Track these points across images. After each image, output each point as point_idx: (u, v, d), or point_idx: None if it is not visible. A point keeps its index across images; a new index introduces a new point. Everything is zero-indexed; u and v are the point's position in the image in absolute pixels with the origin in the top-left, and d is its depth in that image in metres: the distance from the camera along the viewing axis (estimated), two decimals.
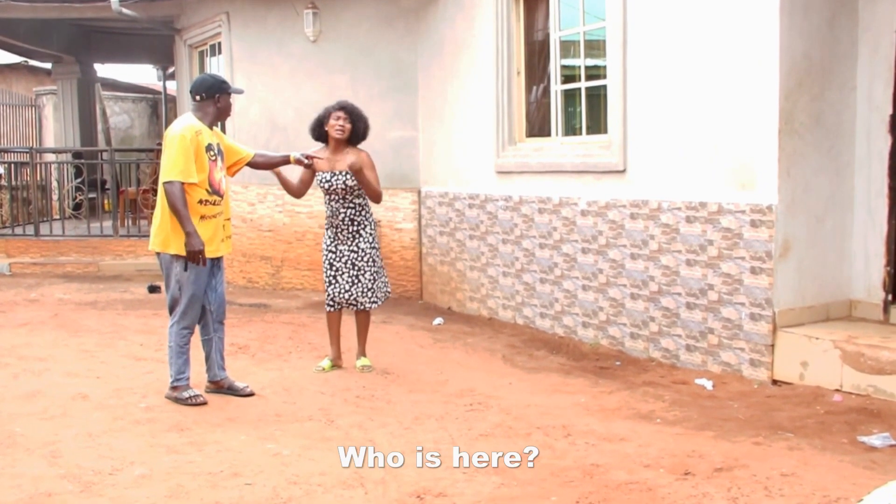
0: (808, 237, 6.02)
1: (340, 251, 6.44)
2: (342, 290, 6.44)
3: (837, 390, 5.52)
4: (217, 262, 5.76)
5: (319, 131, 6.48)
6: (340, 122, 6.36)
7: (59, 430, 4.98)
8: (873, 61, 6.06)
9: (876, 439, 4.68)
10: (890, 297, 6.08)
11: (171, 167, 5.39)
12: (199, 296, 5.60)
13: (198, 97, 5.62)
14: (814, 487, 4.03)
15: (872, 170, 6.11)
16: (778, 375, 5.88)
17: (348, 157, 6.35)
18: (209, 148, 5.53)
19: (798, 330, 5.85)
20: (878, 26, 6.01)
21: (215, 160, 5.58)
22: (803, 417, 5.17)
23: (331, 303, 6.51)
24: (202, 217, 5.50)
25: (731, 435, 4.89)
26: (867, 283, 6.21)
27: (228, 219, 5.82)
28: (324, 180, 6.36)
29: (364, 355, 6.61)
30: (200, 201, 5.49)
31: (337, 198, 6.38)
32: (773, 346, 5.88)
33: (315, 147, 6.55)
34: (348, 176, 6.32)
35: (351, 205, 6.40)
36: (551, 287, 7.83)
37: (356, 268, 6.44)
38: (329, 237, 6.49)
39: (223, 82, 5.76)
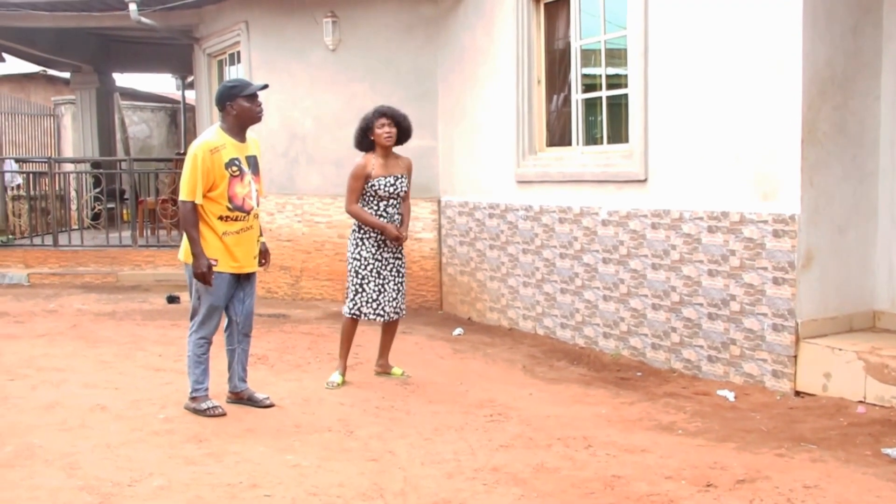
0: (831, 247, 5.96)
1: (386, 259, 6.40)
2: (390, 299, 6.41)
3: (861, 402, 5.46)
4: (246, 276, 5.71)
5: (366, 141, 6.41)
6: (386, 128, 6.34)
7: (77, 441, 4.98)
8: None
9: None
10: None
11: (183, 186, 5.40)
12: (217, 307, 5.58)
13: (219, 108, 5.58)
14: (837, 500, 3.99)
15: None
16: (801, 387, 5.82)
17: (401, 161, 6.46)
18: (231, 163, 5.44)
19: (821, 341, 5.79)
20: None
21: (239, 175, 5.47)
22: (826, 429, 5.12)
23: (380, 312, 6.39)
24: (224, 233, 5.47)
25: (753, 447, 4.85)
26: (891, 293, 6.14)
27: (261, 234, 5.78)
28: (387, 184, 6.33)
29: (393, 365, 6.66)
30: (221, 217, 5.45)
31: (395, 202, 6.39)
32: (795, 357, 5.82)
33: (359, 156, 6.46)
34: (405, 180, 6.42)
35: (400, 210, 6.46)
36: (572, 297, 7.79)
37: (401, 275, 6.47)
38: (373, 245, 6.38)
39: (233, 87, 5.56)
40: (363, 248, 6.42)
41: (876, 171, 6.14)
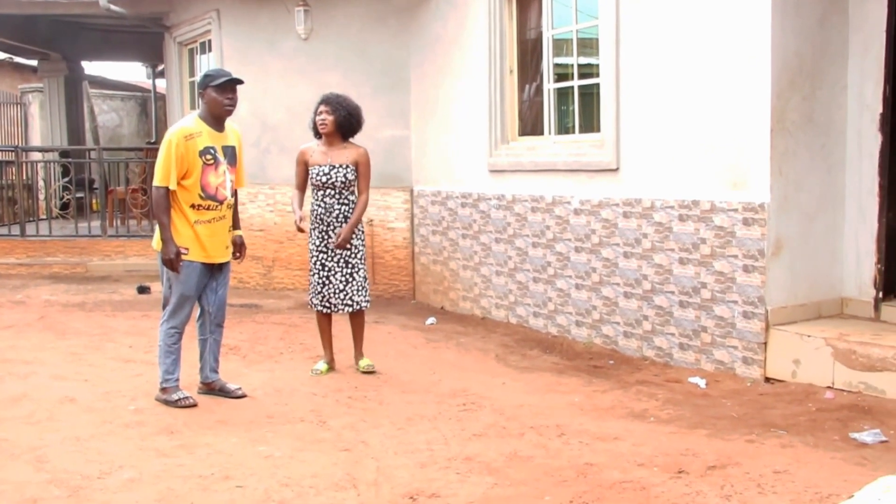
0: (800, 235, 6.02)
1: (332, 250, 6.32)
2: (336, 291, 6.33)
3: (829, 387, 5.52)
4: (219, 266, 5.67)
5: (315, 128, 6.40)
6: (322, 115, 6.28)
7: (45, 434, 4.92)
8: (864, 61, 6.06)
9: (867, 436, 4.69)
10: (881, 295, 6.08)
11: (157, 171, 5.37)
12: (189, 296, 5.54)
13: (200, 96, 5.55)
14: (806, 484, 4.03)
15: (863, 168, 6.12)
16: (771, 373, 5.88)
17: (347, 152, 6.32)
18: (206, 151, 5.41)
19: (790, 328, 5.85)
20: (868, 26, 6.01)
21: (213, 164, 5.44)
22: (796, 415, 5.17)
23: (326, 304, 6.38)
24: (196, 222, 5.44)
25: (724, 433, 4.89)
26: (858, 280, 6.21)
27: (238, 227, 5.73)
28: (321, 173, 6.26)
29: (363, 356, 6.55)
30: (192, 206, 5.42)
31: (333, 193, 6.28)
32: (765, 344, 5.88)
33: (313, 143, 6.44)
34: (349, 169, 6.27)
35: (346, 201, 6.32)
36: (544, 286, 7.81)
37: (350, 265, 6.34)
38: (317, 236, 6.34)
39: (207, 76, 5.53)
40: (310, 238, 6.41)
41: (843, 160, 6.21)
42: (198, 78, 5.59)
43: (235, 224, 5.82)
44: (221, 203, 5.52)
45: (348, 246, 6.31)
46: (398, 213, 9.85)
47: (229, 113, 5.55)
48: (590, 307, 7.30)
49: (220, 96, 5.46)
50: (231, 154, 5.61)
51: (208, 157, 5.43)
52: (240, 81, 5.55)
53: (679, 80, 6.38)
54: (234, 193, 5.69)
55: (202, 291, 5.65)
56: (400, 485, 4.15)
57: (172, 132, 5.41)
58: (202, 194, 5.43)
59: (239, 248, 5.84)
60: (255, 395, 5.81)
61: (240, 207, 10.38)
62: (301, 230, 6.29)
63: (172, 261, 5.37)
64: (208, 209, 5.47)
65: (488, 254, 8.55)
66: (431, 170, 9.48)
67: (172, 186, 5.34)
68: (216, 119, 5.53)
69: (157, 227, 5.51)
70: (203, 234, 5.47)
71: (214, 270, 5.66)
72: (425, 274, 9.65)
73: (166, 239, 5.37)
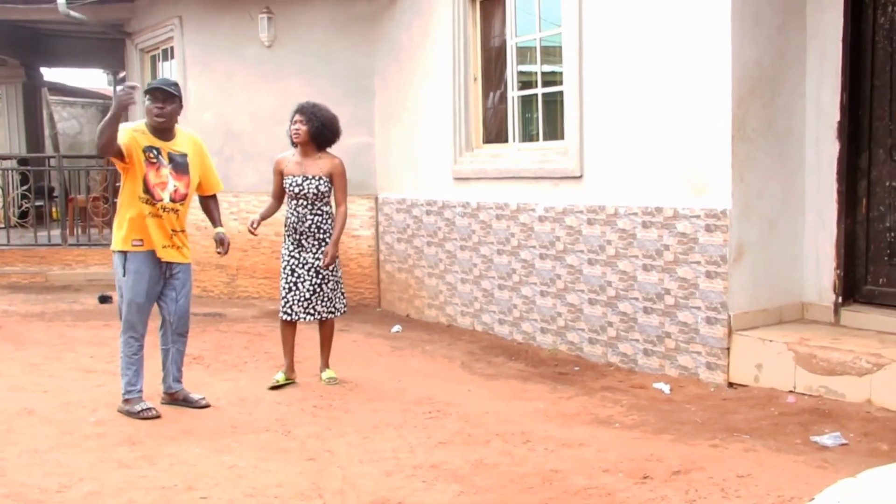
0: (761, 241, 6.08)
1: (304, 258, 6.26)
2: (301, 298, 6.26)
3: (791, 391, 5.59)
4: (173, 274, 5.62)
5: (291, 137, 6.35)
6: (296, 125, 6.23)
7: (2, 447, 4.83)
8: (821, 68, 6.15)
9: (828, 439, 4.74)
10: (840, 300, 6.16)
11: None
12: (138, 303, 5.47)
13: None
14: (768, 488, 4.07)
15: (822, 174, 6.20)
16: (734, 378, 5.93)
17: (321, 162, 6.27)
18: (149, 149, 5.42)
19: (752, 333, 5.91)
20: (825, 34, 6.10)
21: (155, 164, 5.44)
22: (758, 419, 5.22)
23: (288, 311, 6.31)
24: (139, 213, 5.43)
25: (688, 438, 4.93)
26: (818, 285, 6.29)
27: (180, 230, 5.64)
28: (294, 184, 6.21)
29: (328, 367, 6.48)
30: (139, 198, 5.44)
31: (306, 203, 6.23)
32: (728, 349, 5.94)
33: (290, 152, 6.39)
34: (321, 181, 6.22)
35: (319, 212, 6.27)
36: (510, 293, 7.83)
37: (319, 276, 6.27)
38: (290, 245, 6.29)
39: (148, 84, 5.64)
40: (283, 245, 6.38)
41: (803, 166, 6.29)
42: None
43: (216, 222, 5.93)
44: (157, 202, 5.48)
45: (320, 258, 6.24)
46: (363, 220, 9.83)
47: (159, 123, 5.44)
48: (555, 314, 7.33)
49: (149, 104, 5.45)
50: (180, 161, 5.56)
51: (150, 155, 5.44)
52: (163, 90, 5.41)
53: (642, 87, 6.43)
54: (184, 200, 5.61)
55: (162, 300, 5.60)
56: (365, 493, 4.13)
57: (123, 126, 5.41)
58: (143, 187, 5.43)
59: (221, 243, 5.83)
60: (220, 404, 5.77)
61: (203, 216, 10.36)
62: (252, 232, 6.20)
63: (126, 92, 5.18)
64: (146, 203, 5.45)
65: (453, 261, 8.56)
66: (396, 177, 9.48)
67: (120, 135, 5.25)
68: (153, 126, 5.48)
69: (113, 230, 5.51)
70: (149, 226, 5.45)
71: (168, 276, 5.60)
72: (390, 282, 9.64)
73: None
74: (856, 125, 6.06)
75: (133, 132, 5.40)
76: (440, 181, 8.69)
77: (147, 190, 5.43)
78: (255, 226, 6.20)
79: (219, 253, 5.86)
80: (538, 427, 5.20)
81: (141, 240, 5.44)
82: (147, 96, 5.44)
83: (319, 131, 6.26)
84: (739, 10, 5.82)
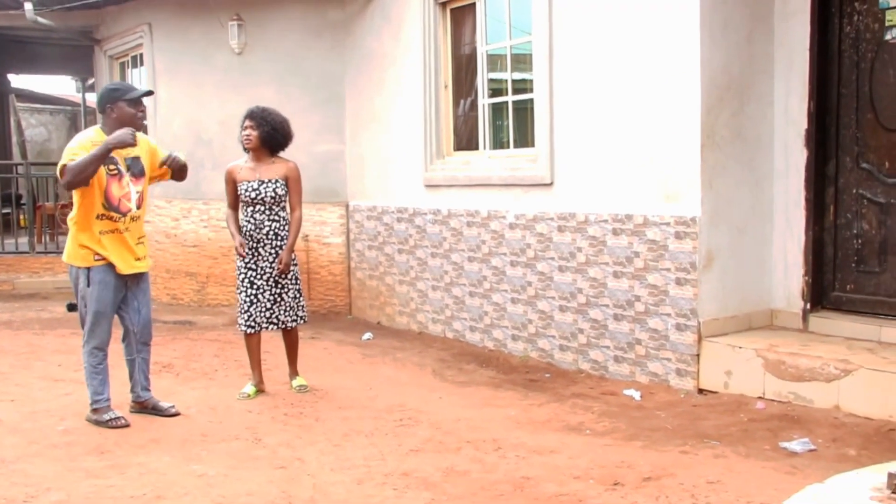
0: (731, 248, 6.13)
1: (262, 268, 6.16)
2: (263, 310, 6.18)
3: (760, 398, 5.63)
4: (135, 282, 5.57)
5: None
6: (247, 131, 6.14)
7: None
8: (789, 77, 6.21)
9: (796, 445, 4.78)
10: (808, 306, 6.21)
11: (63, 157, 5.22)
12: (104, 313, 5.41)
13: (99, 110, 5.46)
14: (738, 494, 4.09)
15: (790, 182, 6.26)
16: (703, 384, 5.97)
17: (276, 166, 6.20)
18: (109, 161, 5.30)
19: (722, 339, 5.95)
20: (792, 43, 6.17)
21: (116, 175, 5.35)
22: (728, 425, 5.25)
23: (252, 324, 6.20)
24: (101, 232, 5.33)
25: (658, 444, 4.95)
26: (787, 292, 6.35)
27: (143, 237, 5.59)
28: (250, 189, 6.11)
29: (298, 375, 6.44)
30: (98, 216, 5.32)
31: (263, 209, 6.14)
32: (698, 355, 5.97)
33: (242, 159, 6.32)
34: (278, 185, 6.14)
35: (276, 217, 6.19)
36: (480, 300, 7.84)
37: (279, 285, 6.19)
38: (247, 252, 6.17)
39: (116, 90, 5.50)
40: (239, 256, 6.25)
41: (771, 173, 6.35)
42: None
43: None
44: (124, 215, 5.40)
45: (281, 266, 6.17)
46: (334, 228, 9.81)
47: (140, 127, 5.49)
48: (525, 321, 7.34)
49: (134, 110, 5.42)
50: (136, 165, 5.49)
51: (111, 167, 5.33)
52: (151, 93, 5.61)
53: (612, 95, 6.47)
54: (142, 204, 5.52)
55: (123, 310, 5.55)
56: (336, 501, 4.12)
57: (77, 139, 5.32)
58: (105, 204, 5.32)
59: (173, 162, 5.57)
60: (189, 412, 5.72)
61: (173, 223, 10.34)
62: (242, 256, 6.11)
63: (121, 136, 5.18)
64: (111, 220, 5.36)
65: (424, 268, 8.55)
66: (367, 185, 9.46)
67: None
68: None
69: (68, 240, 5.43)
70: (108, 244, 5.36)
71: (131, 286, 5.55)
72: (361, 289, 9.61)
73: (97, 152, 5.15)
74: (823, 133, 6.13)
75: (93, 147, 5.23)
76: (411, 188, 8.68)
77: (110, 206, 5.33)
78: (244, 246, 6.09)
79: (169, 161, 5.56)
80: (509, 434, 5.20)
81: (102, 257, 5.35)
82: (128, 102, 5.38)
83: (271, 135, 6.17)
84: (708, 19, 5.87)
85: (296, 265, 6.31)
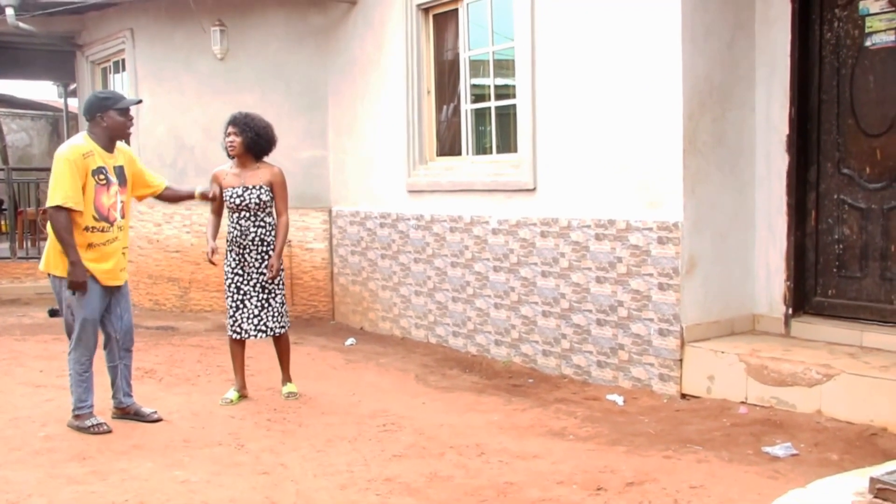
0: (713, 253, 6.16)
1: (248, 273, 6.14)
2: (250, 316, 6.15)
3: (743, 402, 5.65)
4: (117, 289, 5.54)
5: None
6: (231, 137, 6.11)
7: None
8: (770, 83, 6.25)
9: (779, 449, 4.80)
10: (790, 311, 6.25)
11: (57, 191, 5.16)
12: (91, 320, 5.38)
13: (87, 117, 5.41)
14: (721, 499, 4.11)
15: (772, 188, 6.30)
16: (686, 389, 5.99)
17: (261, 172, 6.17)
18: (98, 171, 5.27)
19: (705, 344, 5.97)
20: (773, 49, 6.21)
21: (105, 185, 5.32)
22: (711, 430, 5.27)
23: (238, 329, 6.18)
24: (90, 245, 5.29)
25: (641, 449, 4.96)
26: (769, 297, 6.38)
27: (126, 247, 5.57)
28: (235, 195, 6.08)
29: (290, 381, 6.41)
30: (87, 228, 5.26)
31: (248, 215, 6.10)
32: (681, 360, 5.99)
33: (227, 165, 6.29)
34: (262, 191, 6.11)
35: (262, 223, 6.16)
36: (464, 306, 7.84)
37: (266, 291, 6.17)
38: (233, 259, 6.16)
39: (106, 98, 5.44)
40: (225, 261, 6.23)
41: (753, 179, 6.38)
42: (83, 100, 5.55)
43: (187, 191, 6.09)
44: (113, 224, 5.38)
45: (264, 271, 6.13)
46: (317, 233, 9.79)
47: (129, 135, 5.51)
48: (509, 326, 7.35)
49: (124, 119, 5.41)
50: (121, 175, 5.47)
51: (101, 177, 5.30)
52: (141, 101, 5.84)
53: (594, 101, 6.49)
54: (127, 215, 5.53)
55: (105, 317, 5.52)
56: None
57: (67, 150, 5.24)
58: (95, 215, 5.28)
59: (204, 196, 6.04)
60: (172, 418, 5.69)
61: (156, 228, 10.29)
62: (213, 263, 6.10)
63: (82, 284, 5.23)
64: (102, 231, 5.33)
65: (407, 274, 8.55)
66: (350, 190, 9.45)
67: (79, 207, 5.17)
68: (112, 141, 5.43)
69: (46, 248, 5.38)
70: (99, 256, 5.33)
71: (114, 293, 5.52)
72: (344, 294, 9.60)
73: (75, 261, 5.19)
74: (804, 139, 6.17)
75: (84, 159, 5.22)
76: (394, 194, 8.68)
77: (100, 216, 5.30)
78: (213, 253, 6.07)
79: (213, 196, 6.04)
80: (492, 439, 5.20)
81: (86, 270, 5.30)
82: (119, 111, 5.36)
83: (254, 141, 6.14)
84: (690, 25, 5.91)
85: (282, 271, 6.29)
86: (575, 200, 6.68)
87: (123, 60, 10.95)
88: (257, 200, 6.09)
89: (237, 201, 6.10)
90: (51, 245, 5.36)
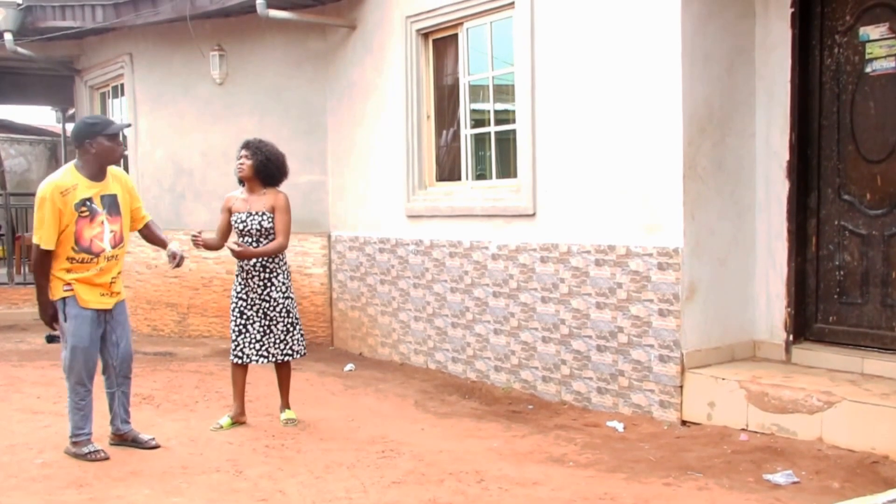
0: (713, 279, 6.14)
1: (252, 299, 6.13)
2: (252, 341, 6.13)
3: (743, 429, 5.62)
4: (112, 316, 5.48)
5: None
6: (241, 160, 6.14)
7: None
8: (770, 109, 6.26)
9: (780, 477, 4.77)
10: (791, 338, 6.23)
11: (35, 230, 5.20)
12: (83, 348, 5.30)
13: (76, 144, 5.33)
14: None
15: (772, 213, 6.29)
16: (687, 416, 5.96)
17: (266, 198, 6.17)
18: (81, 204, 5.20)
19: (705, 371, 5.95)
20: (773, 74, 6.23)
21: (88, 216, 5.24)
22: (711, 457, 5.24)
23: (240, 354, 6.15)
24: (72, 273, 5.26)
25: (642, 476, 4.92)
26: (769, 323, 6.36)
27: (117, 276, 5.47)
28: (239, 220, 6.11)
29: (288, 407, 6.37)
30: (68, 259, 5.24)
31: (251, 241, 6.10)
32: (681, 387, 5.96)
33: (238, 190, 6.27)
34: (265, 217, 6.11)
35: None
36: (463, 331, 7.81)
37: (268, 318, 6.15)
38: (239, 283, 6.17)
39: (94, 124, 5.38)
40: (233, 285, 6.24)
41: (753, 205, 6.38)
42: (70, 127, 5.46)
43: (165, 242, 5.67)
44: (97, 256, 5.30)
45: (266, 298, 6.12)
46: (316, 258, 9.78)
47: (119, 161, 5.51)
48: (508, 352, 7.32)
49: (113, 144, 5.34)
50: (112, 203, 5.39)
51: (83, 210, 5.23)
52: (129, 125, 5.54)
53: (594, 126, 6.50)
54: (122, 243, 5.43)
55: (102, 345, 5.45)
56: None
57: (46, 188, 5.19)
58: (75, 247, 5.23)
59: (173, 257, 5.55)
60: (170, 444, 5.65)
61: (154, 254, 10.27)
62: (195, 238, 5.99)
63: (48, 321, 5.37)
64: (82, 262, 5.26)
65: (406, 299, 8.53)
66: (349, 215, 9.45)
67: (51, 247, 5.17)
68: (102, 168, 5.35)
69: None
70: (81, 285, 5.28)
71: (109, 321, 5.46)
72: (343, 320, 9.57)
73: (43, 302, 5.29)
74: (805, 164, 6.17)
75: (63, 198, 5.16)
76: (393, 219, 8.68)
77: (81, 247, 5.24)
78: (199, 240, 6.01)
79: (172, 264, 5.59)
80: (492, 466, 5.17)
81: (71, 286, 5.27)
82: (108, 137, 5.29)
83: (264, 165, 6.15)
84: (689, 51, 5.92)
85: (292, 298, 6.27)
86: (575, 226, 6.67)
87: (122, 85, 10.98)
88: (258, 227, 6.09)
89: (241, 226, 6.12)
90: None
